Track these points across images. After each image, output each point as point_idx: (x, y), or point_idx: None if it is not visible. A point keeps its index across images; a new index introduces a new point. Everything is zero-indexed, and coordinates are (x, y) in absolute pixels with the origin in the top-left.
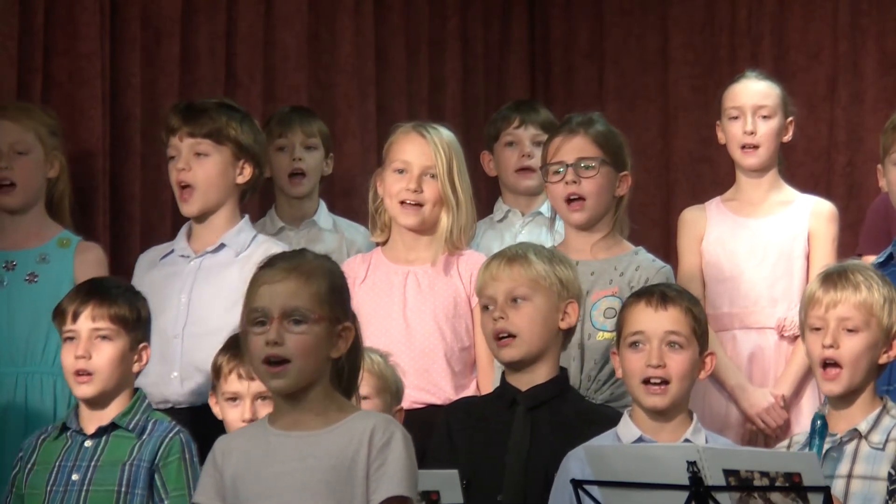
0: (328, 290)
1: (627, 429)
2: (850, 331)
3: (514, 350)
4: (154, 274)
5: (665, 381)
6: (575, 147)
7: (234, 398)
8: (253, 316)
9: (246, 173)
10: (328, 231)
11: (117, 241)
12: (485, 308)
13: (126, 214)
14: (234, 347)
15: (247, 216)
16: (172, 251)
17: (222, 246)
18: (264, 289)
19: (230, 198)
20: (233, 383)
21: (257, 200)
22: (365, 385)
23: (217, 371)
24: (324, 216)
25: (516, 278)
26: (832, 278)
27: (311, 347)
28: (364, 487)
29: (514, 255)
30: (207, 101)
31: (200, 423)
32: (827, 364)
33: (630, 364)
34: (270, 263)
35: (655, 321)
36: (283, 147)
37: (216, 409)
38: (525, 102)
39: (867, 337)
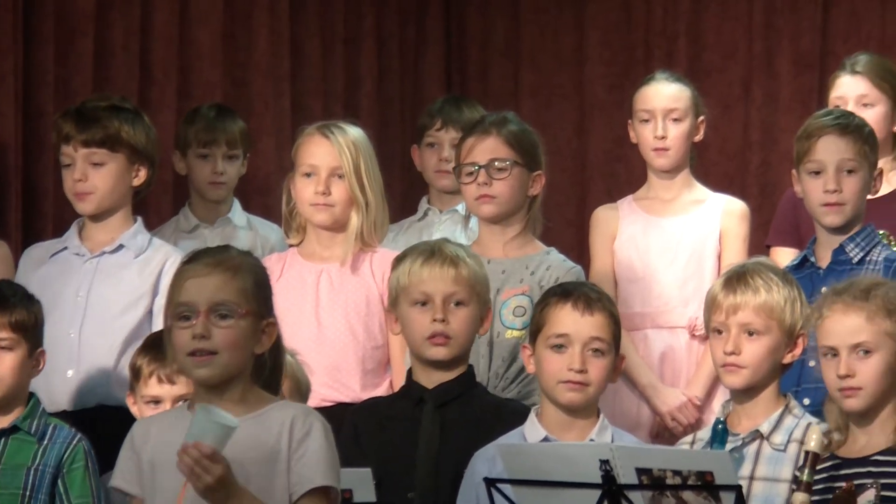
0: (254, 286)
1: (534, 429)
2: (751, 334)
3: (446, 350)
4: (45, 271)
5: (584, 384)
6: (487, 148)
7: (153, 401)
8: (179, 310)
9: (141, 175)
10: (242, 229)
11: (29, 239)
12: (419, 304)
13: (38, 211)
14: (154, 349)
15: (140, 218)
16: (65, 248)
17: (120, 247)
18: (190, 283)
19: (126, 200)
20: (153, 387)
21: (170, 196)
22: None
23: (136, 372)
24: (238, 214)
25: (459, 281)
26: (732, 282)
27: (238, 341)
28: (286, 479)
29: (454, 257)
30: (98, 104)
31: (94, 426)
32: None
33: (550, 365)
34: (196, 258)
35: (581, 325)
36: (206, 156)
37: (134, 410)
38: (451, 101)
39: (768, 341)
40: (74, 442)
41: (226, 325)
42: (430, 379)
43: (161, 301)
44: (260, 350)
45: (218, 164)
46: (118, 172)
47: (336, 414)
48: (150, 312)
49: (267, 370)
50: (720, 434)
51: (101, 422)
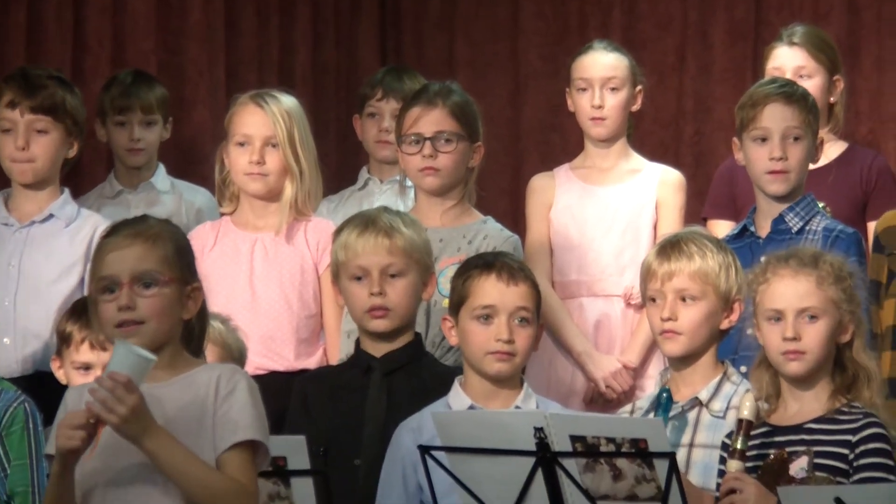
0: (174, 252)
1: (458, 397)
2: (686, 301)
3: (387, 322)
4: None
5: (512, 354)
6: (433, 120)
7: (84, 367)
8: (102, 284)
9: (75, 148)
10: (166, 193)
11: None
12: (356, 278)
13: None
14: (86, 315)
15: (67, 189)
16: None
17: (50, 216)
18: (111, 256)
19: (58, 171)
20: (84, 353)
21: (104, 164)
22: (209, 354)
23: (66, 338)
24: (161, 178)
25: (394, 252)
26: (666, 250)
27: (164, 309)
28: (212, 435)
29: (388, 228)
30: (41, 72)
31: (32, 393)
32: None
33: (476, 336)
34: (114, 231)
35: (506, 296)
36: (123, 123)
37: (59, 374)
38: (392, 72)
39: (705, 306)
40: (15, 405)
41: (150, 293)
42: (378, 348)
43: None
44: (187, 315)
45: (134, 131)
46: (59, 142)
47: (270, 383)
48: (82, 280)
49: (195, 335)
50: (664, 403)
51: (42, 387)
